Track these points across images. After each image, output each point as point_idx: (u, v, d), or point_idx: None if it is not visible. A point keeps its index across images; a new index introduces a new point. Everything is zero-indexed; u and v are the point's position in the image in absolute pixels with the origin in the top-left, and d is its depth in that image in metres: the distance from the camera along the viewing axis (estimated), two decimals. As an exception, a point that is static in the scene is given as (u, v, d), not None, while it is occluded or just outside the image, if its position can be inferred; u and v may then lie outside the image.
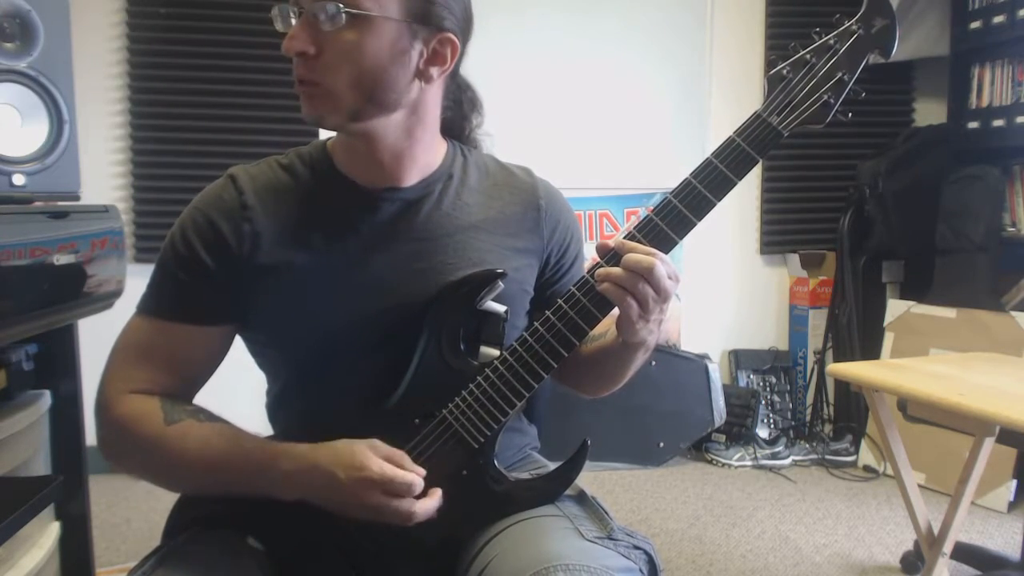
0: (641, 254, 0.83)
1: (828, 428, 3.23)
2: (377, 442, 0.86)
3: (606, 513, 0.95)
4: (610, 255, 0.85)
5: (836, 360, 3.12)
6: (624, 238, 0.87)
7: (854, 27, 0.87)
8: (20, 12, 1.36)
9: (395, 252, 0.95)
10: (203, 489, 0.92)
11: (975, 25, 2.90)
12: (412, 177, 0.97)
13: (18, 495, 1.20)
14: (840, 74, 0.87)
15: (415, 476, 0.84)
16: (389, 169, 0.95)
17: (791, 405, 3.32)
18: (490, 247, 0.98)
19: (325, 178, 0.97)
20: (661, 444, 3.01)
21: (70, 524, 1.58)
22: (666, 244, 0.87)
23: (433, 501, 0.86)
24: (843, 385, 3.13)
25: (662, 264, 0.83)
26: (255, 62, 2.90)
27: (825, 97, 0.87)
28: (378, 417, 0.91)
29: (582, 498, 0.98)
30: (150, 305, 0.94)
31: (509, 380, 0.88)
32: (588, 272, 0.87)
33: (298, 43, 0.85)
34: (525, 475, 0.99)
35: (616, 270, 0.84)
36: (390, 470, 0.83)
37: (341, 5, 0.83)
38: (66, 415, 1.57)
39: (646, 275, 0.82)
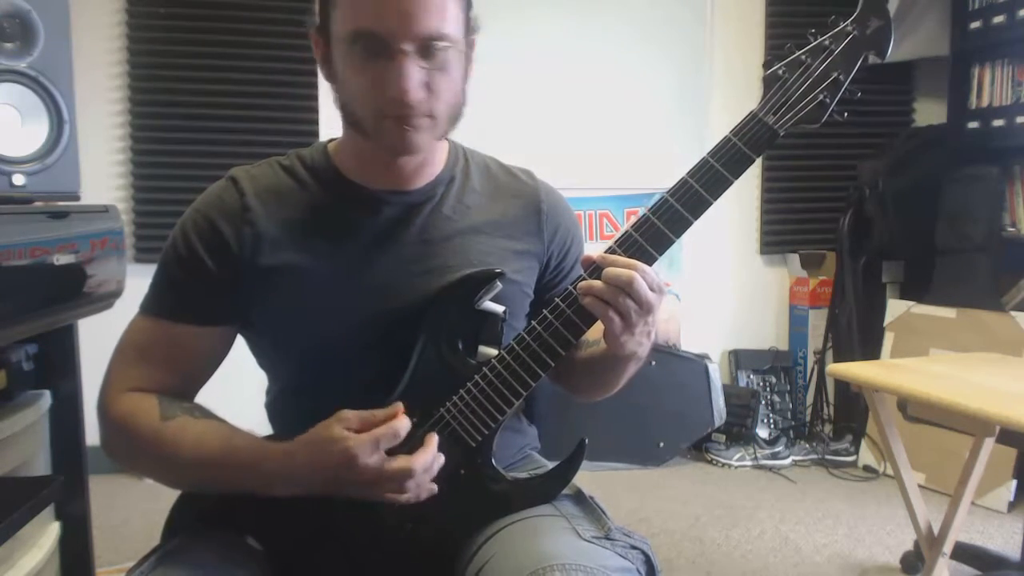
0: (621, 267, 0.83)
1: (828, 428, 3.23)
2: (345, 413, 0.84)
3: (604, 513, 0.95)
4: (593, 268, 0.85)
5: (836, 360, 3.12)
6: (614, 243, 0.87)
7: (849, 28, 0.88)
8: (20, 12, 1.36)
9: (396, 255, 0.95)
10: (199, 485, 0.92)
11: (975, 25, 2.90)
12: (420, 181, 0.98)
13: (18, 495, 1.20)
14: (836, 74, 0.87)
15: (395, 423, 0.83)
16: (405, 175, 0.96)
17: (791, 405, 3.32)
18: (491, 249, 0.99)
19: (327, 180, 0.97)
20: (661, 444, 3.01)
21: (70, 524, 1.58)
22: (661, 245, 0.87)
23: (427, 453, 0.84)
24: (843, 385, 3.12)
25: (643, 276, 0.82)
26: (255, 62, 2.91)
27: (821, 97, 0.87)
28: (377, 416, 0.91)
29: (580, 498, 0.98)
30: (152, 306, 0.95)
31: (507, 379, 0.88)
32: (572, 284, 0.87)
33: (419, 90, 0.84)
34: (523, 475, 0.99)
35: (597, 283, 0.83)
36: (365, 435, 0.82)
37: (448, 43, 0.85)
38: (66, 415, 1.57)
39: (626, 288, 0.82)
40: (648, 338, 0.90)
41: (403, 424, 0.84)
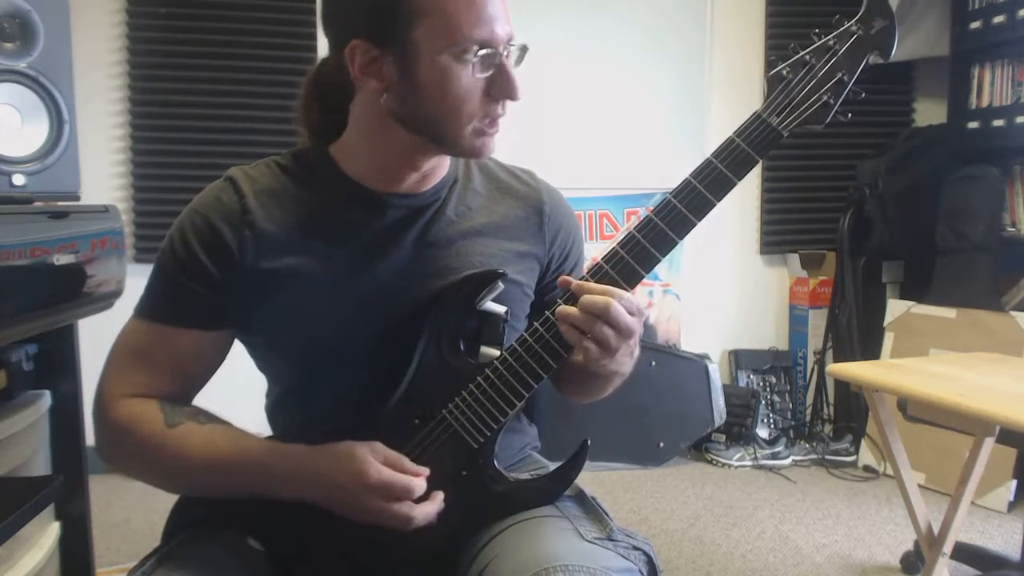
0: (597, 294, 0.82)
1: (828, 428, 3.23)
2: (378, 445, 0.86)
3: (605, 514, 0.95)
4: (569, 295, 0.85)
5: (836, 360, 3.12)
6: (616, 245, 0.87)
7: (854, 28, 0.88)
8: (20, 12, 1.36)
9: (398, 258, 0.95)
10: (204, 490, 0.92)
11: (975, 25, 2.90)
12: (427, 184, 0.98)
13: (18, 495, 1.19)
14: (840, 75, 0.87)
15: (414, 480, 0.84)
16: (419, 178, 0.96)
17: (791, 405, 3.32)
18: (493, 252, 0.98)
19: (329, 181, 0.96)
20: (661, 444, 3.01)
21: (70, 524, 1.57)
22: (664, 247, 0.87)
23: (432, 506, 0.86)
24: (843, 385, 3.13)
25: (619, 302, 0.82)
26: (255, 62, 2.91)
27: (825, 98, 0.87)
28: (378, 418, 0.91)
29: (582, 498, 0.98)
30: (148, 309, 0.93)
31: (509, 380, 0.88)
32: (549, 311, 0.87)
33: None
34: (525, 475, 0.99)
35: (573, 311, 0.83)
36: (388, 475, 0.83)
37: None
38: (66, 415, 1.57)
39: (603, 316, 0.82)
40: (631, 357, 0.90)
41: (420, 486, 0.85)
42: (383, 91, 0.88)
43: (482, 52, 0.84)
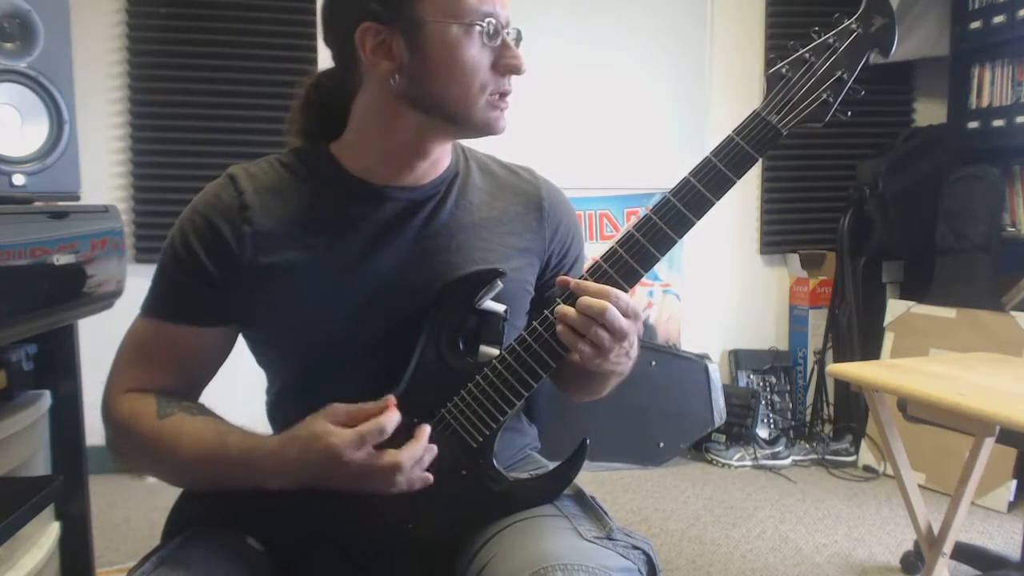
0: (593, 296, 0.82)
1: (828, 428, 3.23)
2: (334, 408, 0.84)
3: (605, 513, 0.95)
4: (567, 294, 0.85)
5: (836, 360, 3.12)
6: (615, 244, 0.87)
7: (853, 26, 0.88)
8: (20, 12, 1.36)
9: (398, 251, 0.95)
10: (198, 482, 0.92)
11: (975, 25, 2.90)
12: (427, 178, 0.98)
13: (18, 495, 1.20)
14: (839, 73, 0.87)
15: (381, 418, 0.82)
16: (420, 173, 0.96)
17: (791, 405, 3.32)
18: (493, 246, 0.99)
19: (329, 176, 0.96)
20: (661, 444, 3.01)
21: (70, 524, 1.58)
22: (663, 246, 0.87)
23: (418, 445, 0.84)
24: (843, 385, 3.12)
25: (615, 304, 0.82)
26: (255, 62, 2.91)
27: (824, 96, 0.87)
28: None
29: (581, 498, 0.98)
30: (152, 307, 0.94)
31: (508, 379, 0.88)
32: (548, 310, 0.86)
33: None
34: (524, 475, 0.99)
35: (571, 312, 0.83)
36: (353, 431, 0.81)
37: None
38: (66, 415, 1.57)
39: (598, 319, 0.82)
40: (628, 358, 0.89)
41: (391, 420, 0.83)
42: (394, 72, 0.88)
43: (487, 20, 0.87)
